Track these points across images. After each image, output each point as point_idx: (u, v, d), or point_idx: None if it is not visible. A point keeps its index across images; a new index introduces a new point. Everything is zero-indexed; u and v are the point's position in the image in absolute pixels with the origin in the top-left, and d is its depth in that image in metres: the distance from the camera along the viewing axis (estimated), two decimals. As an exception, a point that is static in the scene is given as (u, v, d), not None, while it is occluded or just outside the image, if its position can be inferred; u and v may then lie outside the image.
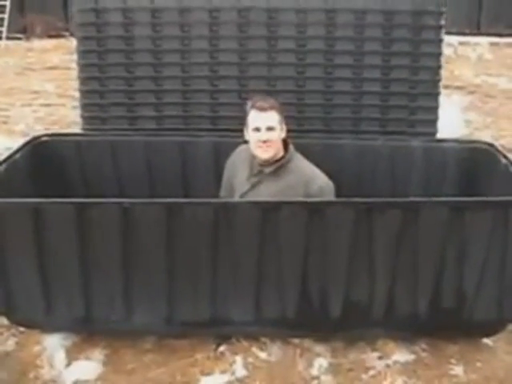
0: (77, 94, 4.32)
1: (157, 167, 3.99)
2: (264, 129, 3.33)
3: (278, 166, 3.40)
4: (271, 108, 3.37)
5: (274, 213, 2.99)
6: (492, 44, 10.89)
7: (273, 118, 3.36)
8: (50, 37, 10.97)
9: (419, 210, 3.00)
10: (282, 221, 2.99)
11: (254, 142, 3.38)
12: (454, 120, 6.53)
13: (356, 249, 3.05)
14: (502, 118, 7.22)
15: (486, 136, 6.11)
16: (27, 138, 3.97)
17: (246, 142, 3.54)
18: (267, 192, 3.38)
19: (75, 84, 4.30)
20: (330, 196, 3.37)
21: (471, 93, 8.16)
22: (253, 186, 3.44)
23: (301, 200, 3.23)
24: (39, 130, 6.16)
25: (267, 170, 3.41)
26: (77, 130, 5.07)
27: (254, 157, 3.44)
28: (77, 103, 6.47)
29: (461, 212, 3.00)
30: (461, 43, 10.43)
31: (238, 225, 3.01)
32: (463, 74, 8.72)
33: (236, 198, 3.49)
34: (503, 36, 11.20)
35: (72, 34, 10.10)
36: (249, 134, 3.42)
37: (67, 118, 6.77)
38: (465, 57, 9.88)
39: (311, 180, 3.37)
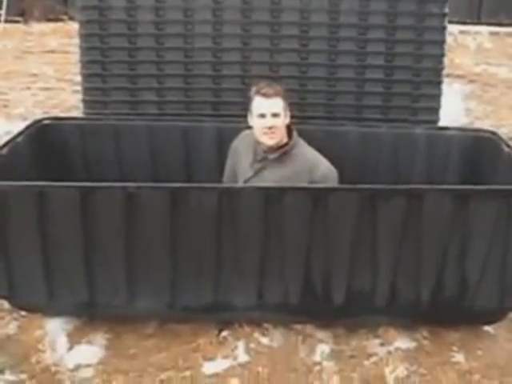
0: (76, 78, 4.31)
1: (159, 152, 3.98)
2: (269, 115, 3.32)
3: (282, 153, 3.38)
4: (276, 94, 3.35)
5: (277, 199, 2.98)
6: (492, 33, 10.87)
7: (278, 104, 3.35)
8: (49, 20, 10.90)
9: (423, 198, 2.99)
10: (286, 207, 2.98)
11: (259, 129, 3.37)
12: (454, 109, 6.52)
13: (359, 235, 3.05)
14: (503, 108, 7.21)
15: (486, 125, 6.08)
16: (28, 122, 3.95)
17: (249, 127, 3.52)
18: (271, 178, 3.36)
19: (74, 68, 4.29)
20: (334, 183, 3.36)
21: (471, 82, 8.14)
22: (256, 172, 3.43)
23: (305, 186, 3.23)
24: (38, 113, 6.12)
25: (271, 156, 3.40)
26: (77, 114, 5.08)
27: (257, 142, 3.43)
28: (76, 87, 6.48)
29: (465, 200, 3.00)
30: (461, 32, 10.41)
31: (242, 210, 3.00)
32: (463, 63, 8.70)
33: (240, 184, 3.47)
34: (503, 25, 11.17)
35: (71, 18, 10.13)
36: (253, 121, 3.41)
37: (67, 102, 6.74)
38: (465, 46, 9.86)
39: (315, 166, 3.36)
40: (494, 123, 6.41)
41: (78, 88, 4.43)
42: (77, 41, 4.24)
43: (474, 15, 11.55)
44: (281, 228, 3.02)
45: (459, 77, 8.06)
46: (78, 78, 4.33)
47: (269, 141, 3.35)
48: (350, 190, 3.03)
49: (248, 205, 3.00)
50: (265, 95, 3.34)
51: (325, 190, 3.11)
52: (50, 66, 8.23)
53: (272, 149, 3.39)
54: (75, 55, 4.21)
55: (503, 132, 4.89)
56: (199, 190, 3.06)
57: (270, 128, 3.32)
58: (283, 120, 3.37)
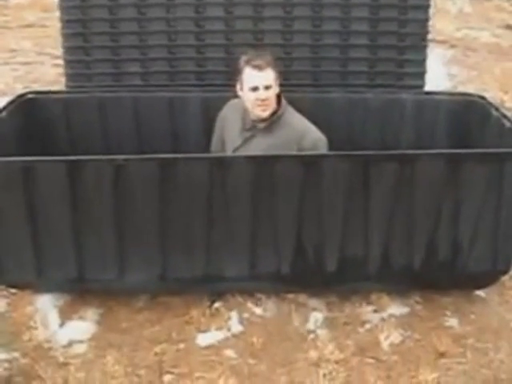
0: (55, 52, 4.22)
1: (145, 124, 3.91)
2: (262, 88, 3.26)
3: (271, 121, 3.35)
4: (267, 65, 3.29)
5: (268, 167, 2.96)
6: (472, -3, 10.83)
7: (270, 75, 3.29)
8: (25, -6, 10.71)
9: (415, 163, 2.98)
10: (277, 175, 2.96)
11: (251, 101, 3.31)
12: (437, 74, 6.47)
13: (351, 202, 3.03)
14: (485, 72, 7.18)
15: (469, 89, 6.03)
16: (9, 97, 3.88)
17: (236, 96, 3.47)
18: (260, 146, 3.33)
19: (53, 42, 4.19)
20: (324, 150, 3.33)
21: (453, 46, 8.10)
22: (245, 141, 3.39)
23: (296, 154, 3.20)
24: (19, 88, 5.99)
25: (261, 125, 3.36)
26: (58, 88, 4.99)
27: (246, 111, 3.39)
28: (56, 61, 6.40)
29: (457, 164, 2.99)
30: (441, -3, 10.35)
31: (233, 180, 2.97)
32: (444, 28, 8.62)
33: (229, 153, 3.44)
34: (483, -11, 11.13)
35: (47, -9, 9.91)
36: (244, 92, 3.34)
37: (47, 76, 6.61)
38: (445, 10, 9.75)
39: (305, 134, 3.33)
40: (478, 88, 6.37)
41: (58, 62, 4.37)
42: (55, 14, 4.16)
43: (454, -21, 11.48)
44: (272, 197, 3.00)
45: (441, 42, 8.00)
46: (58, 52, 4.25)
47: (262, 113, 3.32)
48: (341, 157, 3.01)
49: (239, 174, 2.97)
50: (257, 67, 3.27)
51: (316, 158, 3.09)
52: (28, 41, 8.06)
53: (263, 118, 3.35)
54: (53, 29, 4.13)
55: (487, 96, 4.88)
56: (189, 160, 3.02)
57: (263, 100, 3.28)
58: (274, 90, 3.32)
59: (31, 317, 3.28)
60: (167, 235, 3.08)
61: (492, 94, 6.08)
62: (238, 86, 3.38)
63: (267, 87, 3.27)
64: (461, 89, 6.38)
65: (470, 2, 10.43)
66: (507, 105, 5.81)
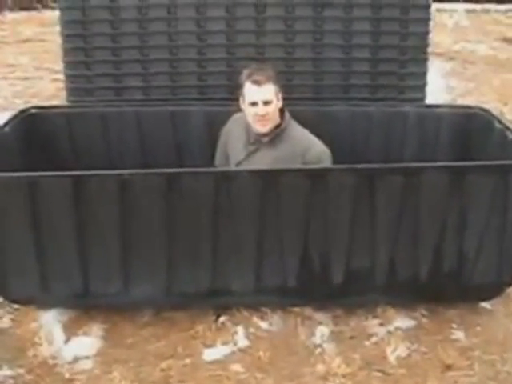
0: (54, 67, 4.22)
1: (149, 138, 3.91)
2: (261, 103, 3.26)
3: (274, 135, 3.35)
4: (267, 80, 3.28)
5: (274, 181, 2.95)
6: (468, 11, 10.89)
7: (269, 91, 3.28)
8: (22, 9, 10.74)
9: (421, 175, 2.98)
10: (283, 189, 2.96)
11: (251, 116, 3.31)
12: (436, 86, 6.50)
13: (357, 215, 3.03)
14: (484, 84, 7.23)
15: (469, 102, 6.10)
16: (10, 112, 3.88)
17: (239, 110, 3.48)
18: (264, 160, 3.33)
19: (51, 56, 4.19)
20: (328, 163, 3.33)
21: (451, 59, 8.17)
22: (249, 154, 3.39)
23: (301, 167, 3.20)
24: (19, 103, 6.03)
25: (264, 139, 3.36)
26: (57, 102, 5.00)
27: (249, 125, 3.38)
28: (55, 76, 6.42)
29: (462, 177, 2.99)
30: (437, 10, 10.37)
31: (239, 194, 2.96)
32: (442, 41, 8.70)
33: (233, 167, 3.43)
34: (479, 2, 11.19)
35: (44, 6, 9.98)
36: (245, 107, 3.35)
37: (46, 91, 6.63)
38: (442, 24, 9.83)
39: (309, 147, 3.33)
40: (477, 100, 6.41)
41: (57, 76, 4.37)
42: (52, 29, 4.17)
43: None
44: (278, 211, 3.00)
45: (439, 55, 8.06)
46: (56, 67, 4.26)
47: (262, 128, 3.32)
48: (346, 170, 3.01)
49: (244, 188, 2.96)
50: (256, 82, 3.27)
51: (321, 171, 3.09)
52: (26, 56, 8.08)
53: (263, 133, 3.35)
54: (51, 43, 4.13)
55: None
56: (195, 174, 3.01)
57: (262, 116, 3.27)
58: (276, 105, 3.32)
59: (36, 333, 3.25)
60: (172, 249, 3.07)
61: (491, 106, 6.04)
62: (241, 100, 3.38)
63: (266, 102, 3.27)
64: (460, 101, 6.43)
65: (466, 15, 10.53)
66: (507, 116, 5.84)
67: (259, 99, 3.27)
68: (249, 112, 3.32)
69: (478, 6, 11.01)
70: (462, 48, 8.72)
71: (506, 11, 10.97)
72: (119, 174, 2.95)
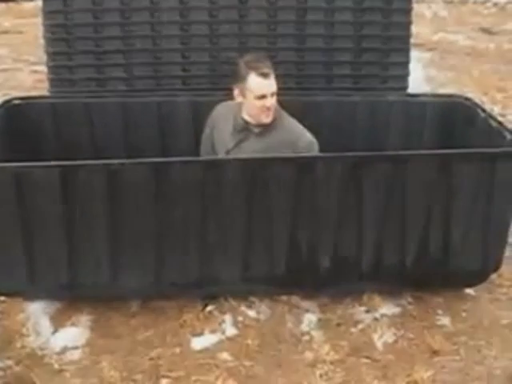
0: (33, 58, 4.16)
1: (134, 129, 3.88)
2: (269, 95, 3.23)
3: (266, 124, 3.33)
4: (271, 71, 3.24)
5: (262, 169, 2.97)
6: (446, 1, 10.94)
7: (274, 82, 3.25)
8: (1, 1, 10.63)
9: (407, 163, 3.01)
10: (271, 177, 2.98)
11: (256, 108, 3.25)
12: (416, 77, 6.50)
13: (345, 203, 3.06)
14: (464, 74, 7.28)
15: (450, 92, 6.13)
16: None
17: (224, 100, 3.47)
18: (253, 149, 3.31)
19: (30, 48, 4.14)
20: (316, 153, 3.32)
21: (431, 50, 8.21)
22: (238, 143, 3.36)
23: (289, 155, 3.19)
24: (-2, 96, 5.99)
25: (256, 129, 3.33)
26: (37, 94, 4.94)
27: (238, 113, 3.36)
28: (34, 67, 6.36)
29: (448, 164, 3.03)
30: (416, 1, 10.40)
31: (226, 182, 2.98)
32: (421, 32, 8.70)
33: (221, 155, 3.42)
34: (457, -7, 11.26)
35: (22, -2, 9.88)
36: (248, 99, 3.26)
37: (26, 83, 6.55)
38: (420, 14, 9.86)
39: (299, 137, 3.31)
40: (457, 90, 6.42)
41: (36, 68, 4.33)
42: (31, 20, 4.14)
43: (428, -17, 11.60)
44: (266, 199, 3.01)
45: (418, 45, 8.06)
46: (35, 58, 4.21)
47: (267, 119, 3.28)
48: (334, 158, 3.04)
49: (232, 177, 2.97)
50: (263, 75, 3.20)
51: (309, 159, 3.10)
52: (4, 47, 7.98)
53: (265, 124, 3.32)
54: (30, 35, 4.08)
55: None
56: (183, 163, 3.01)
57: (268, 107, 3.24)
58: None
59: (23, 324, 3.24)
60: (161, 239, 3.07)
61: (471, 95, 6.14)
62: (237, 92, 3.31)
63: (273, 94, 3.24)
64: (441, 91, 6.44)
65: (445, 6, 10.58)
66: (487, 106, 5.86)
67: (268, 92, 3.22)
68: (254, 104, 3.25)
69: (455, -3, 11.08)
70: (441, 38, 8.77)
71: (484, 2, 11.04)
72: (107, 163, 2.94)
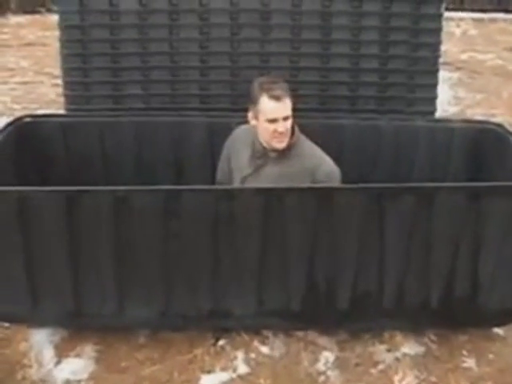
0: (55, 72, 4.09)
1: (147, 150, 3.74)
2: (281, 120, 3.05)
3: (284, 149, 3.16)
4: (285, 94, 3.07)
5: (279, 200, 2.81)
6: (476, 20, 10.74)
7: (288, 105, 3.07)
8: (26, 12, 10.60)
9: (433, 196, 2.83)
10: (288, 208, 2.81)
11: (268, 133, 3.09)
12: (443, 97, 6.37)
13: (366, 236, 2.89)
14: (492, 95, 7.08)
15: (477, 113, 5.99)
16: (7, 118, 3.73)
17: (241, 122, 3.33)
18: (272, 176, 3.14)
19: (53, 61, 4.05)
20: (337, 182, 3.14)
21: (459, 69, 8.02)
22: (256, 169, 3.19)
23: (308, 186, 3.02)
24: (17, 109, 5.91)
25: (273, 154, 3.16)
26: (57, 108, 4.86)
27: (256, 139, 3.19)
28: (56, 81, 6.27)
29: (477, 198, 2.84)
30: (445, 19, 10.23)
31: (241, 212, 2.82)
32: (449, 50, 8.53)
33: (238, 185, 3.25)
34: (487, 11, 11.04)
35: (48, 10, 9.85)
36: (260, 123, 3.11)
37: (46, 97, 6.49)
38: (449, 33, 9.67)
39: (319, 165, 3.14)
40: (486, 111, 6.28)
41: (58, 81, 4.24)
42: (55, 33, 4.03)
43: (457, 0, 11.41)
44: (283, 231, 2.85)
45: (446, 64, 7.89)
46: (57, 72, 4.13)
47: (279, 145, 3.10)
48: (355, 190, 2.86)
49: (247, 207, 2.82)
50: (275, 97, 3.03)
51: (329, 190, 2.93)
52: (27, 60, 7.95)
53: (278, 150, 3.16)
54: (53, 48, 3.98)
55: (496, 120, 4.75)
56: (195, 192, 2.86)
57: (281, 132, 3.06)
58: (291, 120, 3.12)
59: (25, 354, 3.11)
60: (170, 269, 2.94)
61: (501, 118, 5.97)
62: (251, 114, 3.16)
63: (286, 118, 3.06)
64: (469, 112, 6.29)
65: (474, 24, 10.38)
66: (517, 130, 5.68)
67: (280, 115, 3.05)
68: (265, 128, 3.09)
69: (485, 16, 10.86)
70: (469, 58, 8.57)
71: (514, 20, 10.84)
72: (114, 190, 2.81)
